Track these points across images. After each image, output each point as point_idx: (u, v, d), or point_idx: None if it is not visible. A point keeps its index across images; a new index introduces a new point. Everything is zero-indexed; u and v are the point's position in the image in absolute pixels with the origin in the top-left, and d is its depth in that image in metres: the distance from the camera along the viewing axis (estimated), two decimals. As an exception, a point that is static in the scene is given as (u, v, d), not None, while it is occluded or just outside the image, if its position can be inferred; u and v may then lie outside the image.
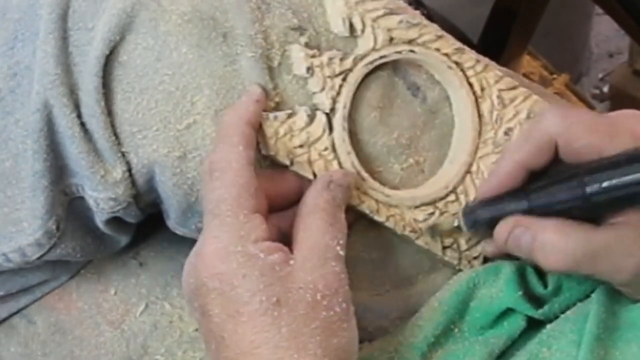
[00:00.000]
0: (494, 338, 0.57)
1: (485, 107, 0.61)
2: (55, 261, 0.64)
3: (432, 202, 0.60)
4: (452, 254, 0.61)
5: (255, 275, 0.49)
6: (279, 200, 0.56)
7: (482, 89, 0.61)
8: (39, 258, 0.61)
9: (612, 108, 1.55)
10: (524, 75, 1.19)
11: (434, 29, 0.60)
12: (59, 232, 0.60)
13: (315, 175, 0.57)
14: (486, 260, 0.62)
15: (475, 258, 0.61)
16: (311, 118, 0.57)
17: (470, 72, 0.60)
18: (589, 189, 0.51)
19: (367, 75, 0.59)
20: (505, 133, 0.61)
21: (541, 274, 0.59)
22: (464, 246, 0.61)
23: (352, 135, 0.59)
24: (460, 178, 0.60)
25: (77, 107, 0.56)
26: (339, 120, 0.57)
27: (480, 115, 0.60)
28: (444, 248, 0.61)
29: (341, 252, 0.52)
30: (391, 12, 0.59)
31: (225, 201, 0.51)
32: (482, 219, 0.57)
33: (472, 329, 0.58)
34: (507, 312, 0.58)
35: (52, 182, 0.58)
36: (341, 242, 0.52)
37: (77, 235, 0.62)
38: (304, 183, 0.56)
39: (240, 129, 0.53)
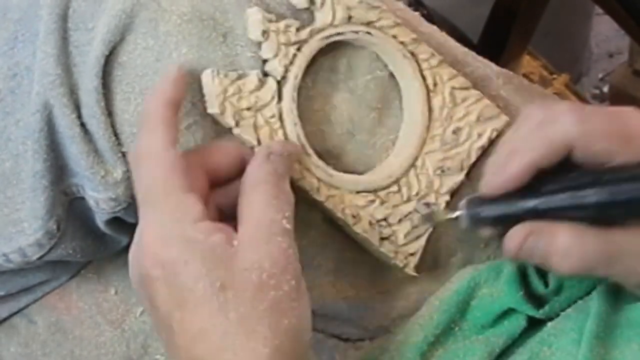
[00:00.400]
0: (494, 337, 0.57)
1: (436, 102, 0.60)
2: (55, 261, 0.64)
3: (374, 190, 0.59)
4: (389, 247, 0.59)
5: (197, 260, 0.48)
6: (220, 175, 0.54)
7: (435, 84, 0.60)
8: (39, 258, 0.61)
9: (612, 108, 1.55)
10: (524, 75, 1.19)
11: (393, 16, 0.60)
12: (59, 233, 0.60)
13: (259, 142, 0.56)
14: (423, 257, 0.61)
15: (411, 254, 0.60)
16: (262, 82, 0.56)
17: (424, 65, 0.60)
18: (604, 200, 0.50)
19: (367, 75, 0.59)
20: (454, 132, 0.60)
21: (542, 273, 0.59)
22: (401, 240, 0.60)
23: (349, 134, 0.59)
24: (404, 170, 0.59)
25: (77, 107, 0.56)
26: (289, 90, 0.57)
27: (430, 110, 0.60)
28: (382, 239, 0.59)
29: (288, 226, 0.49)
30: None
31: (154, 185, 0.50)
32: (486, 216, 0.54)
33: (472, 327, 0.58)
34: (508, 311, 0.58)
35: (53, 182, 0.58)
36: (287, 214, 0.50)
37: (78, 236, 0.62)
38: (245, 155, 0.54)
39: (159, 112, 0.52)
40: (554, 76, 1.26)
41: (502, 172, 0.53)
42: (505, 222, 0.53)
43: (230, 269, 0.48)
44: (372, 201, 0.59)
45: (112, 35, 0.55)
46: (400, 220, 0.60)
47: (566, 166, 0.52)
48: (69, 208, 0.61)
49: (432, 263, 0.62)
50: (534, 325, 0.58)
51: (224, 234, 0.49)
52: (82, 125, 0.57)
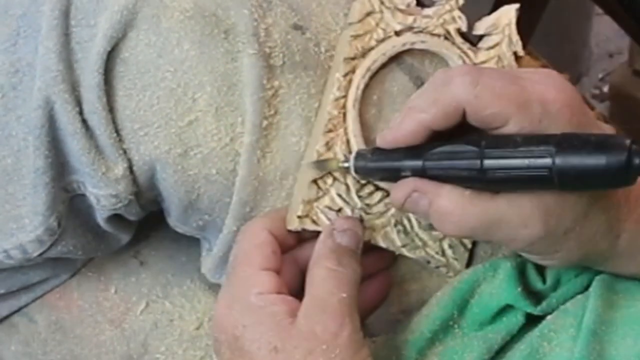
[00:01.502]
0: (492, 333, 0.57)
1: None
2: (55, 259, 0.64)
3: None
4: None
5: (254, 325, 0.52)
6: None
7: None
8: (40, 255, 0.61)
9: (612, 108, 1.56)
10: (524, 75, 1.19)
11: None
12: (60, 229, 0.60)
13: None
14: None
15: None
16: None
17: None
18: (486, 163, 0.49)
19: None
20: None
21: (540, 269, 0.59)
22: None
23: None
24: None
25: (78, 103, 0.57)
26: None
27: None
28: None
29: (344, 295, 0.52)
30: None
31: (237, 258, 0.55)
32: (372, 168, 0.55)
33: (471, 324, 0.58)
34: (506, 308, 0.58)
35: (54, 179, 0.58)
36: (346, 288, 0.53)
37: (78, 233, 0.62)
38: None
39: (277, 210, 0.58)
40: (554, 76, 1.25)
41: (395, 129, 0.53)
42: (392, 176, 0.54)
43: (285, 334, 0.51)
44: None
45: (114, 31, 0.55)
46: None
47: (466, 128, 0.52)
48: (69, 205, 0.61)
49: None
50: (532, 320, 0.58)
51: (287, 305, 0.52)
52: (84, 121, 0.57)
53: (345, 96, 0.58)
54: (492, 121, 0.50)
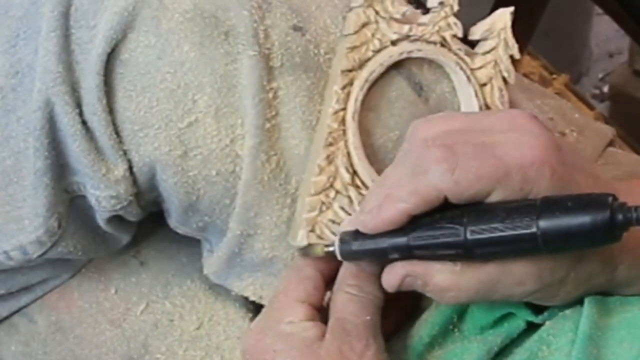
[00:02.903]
0: (492, 336, 0.57)
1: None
2: (56, 259, 0.64)
3: None
4: None
5: (284, 349, 0.53)
6: None
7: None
8: (40, 256, 0.61)
9: (612, 108, 1.56)
10: (524, 75, 1.19)
11: None
12: (60, 230, 0.60)
13: None
14: None
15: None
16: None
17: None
18: (471, 240, 0.50)
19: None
20: None
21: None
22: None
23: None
24: None
25: (78, 105, 0.57)
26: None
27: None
28: None
29: (367, 317, 0.54)
30: None
31: (279, 290, 0.57)
32: (358, 251, 0.55)
33: (471, 329, 0.58)
34: (508, 314, 0.58)
35: (54, 180, 0.58)
36: (369, 310, 0.54)
37: (79, 234, 0.62)
38: None
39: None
40: (554, 76, 1.25)
41: (377, 216, 0.53)
42: (378, 257, 0.54)
43: (314, 357, 0.53)
44: None
45: (114, 32, 0.56)
46: None
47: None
48: (70, 206, 0.61)
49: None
50: (533, 325, 0.58)
51: (318, 330, 0.54)
52: (84, 122, 0.57)
53: (344, 109, 0.58)
54: (474, 199, 0.51)
